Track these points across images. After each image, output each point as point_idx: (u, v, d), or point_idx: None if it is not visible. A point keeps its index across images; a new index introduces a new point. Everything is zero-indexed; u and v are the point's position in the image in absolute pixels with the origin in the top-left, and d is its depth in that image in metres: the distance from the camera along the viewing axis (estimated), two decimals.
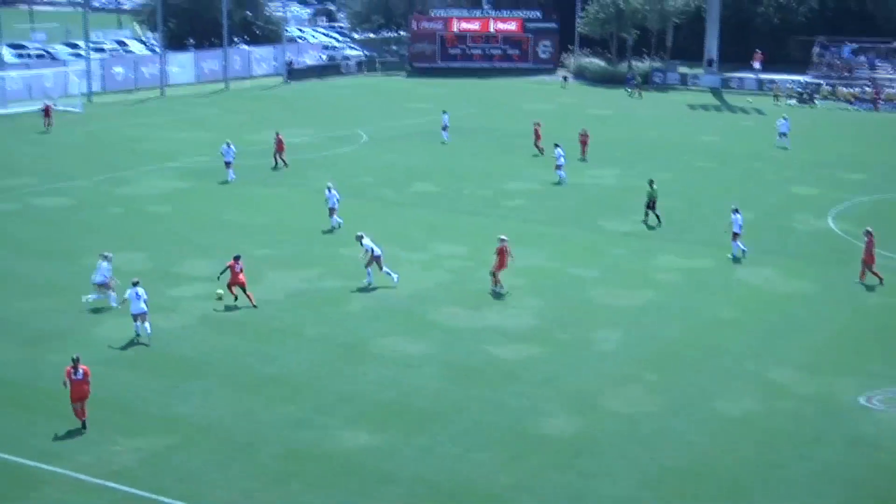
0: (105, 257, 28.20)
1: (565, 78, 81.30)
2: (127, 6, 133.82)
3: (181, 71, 77.69)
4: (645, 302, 29.44)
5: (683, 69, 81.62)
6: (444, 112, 55.34)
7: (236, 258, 28.31)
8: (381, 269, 29.97)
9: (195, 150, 50.94)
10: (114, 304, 27.54)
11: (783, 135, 54.37)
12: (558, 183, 44.01)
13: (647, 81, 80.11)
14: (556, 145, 44.84)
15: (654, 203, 37.74)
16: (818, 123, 64.03)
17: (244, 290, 28.15)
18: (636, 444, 20.89)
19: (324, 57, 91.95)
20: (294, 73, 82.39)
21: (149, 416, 21.60)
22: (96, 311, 27.56)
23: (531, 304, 29.00)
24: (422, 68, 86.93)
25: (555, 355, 25.35)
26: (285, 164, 46.25)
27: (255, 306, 27.98)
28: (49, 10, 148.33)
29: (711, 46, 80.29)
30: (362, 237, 30.37)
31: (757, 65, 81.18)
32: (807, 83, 74.60)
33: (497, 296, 29.45)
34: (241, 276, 28.03)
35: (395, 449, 20.48)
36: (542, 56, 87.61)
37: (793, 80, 74.73)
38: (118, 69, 74.48)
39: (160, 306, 28.02)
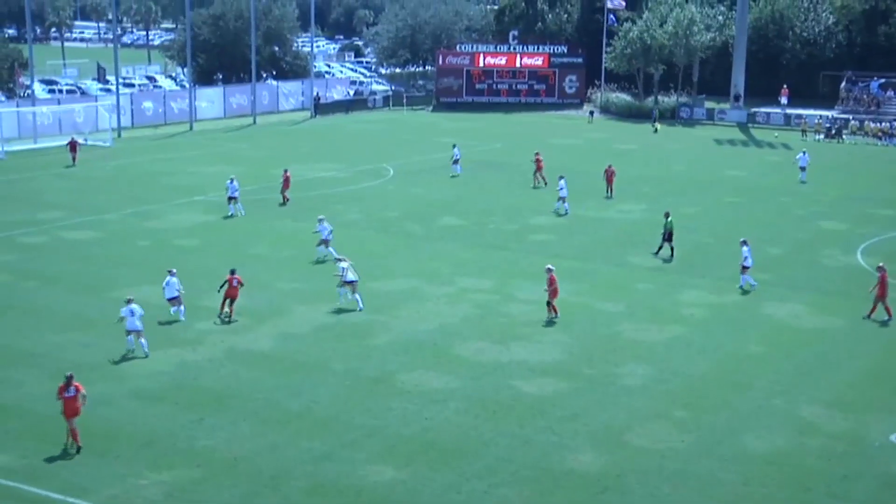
0: (171, 272, 29.87)
1: (591, 113, 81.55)
2: (156, 42, 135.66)
3: (209, 106, 78.58)
4: (672, 337, 29.30)
5: (710, 104, 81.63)
6: (454, 146, 56.03)
7: (232, 271, 30.14)
8: (352, 293, 31.04)
9: (223, 184, 51.27)
10: (182, 319, 29.47)
11: (803, 169, 54.39)
12: (563, 214, 44.62)
13: (673, 116, 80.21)
14: (560, 177, 45.42)
15: (670, 235, 37.78)
16: (846, 159, 63.77)
17: (231, 303, 29.84)
18: (664, 481, 20.72)
19: (351, 92, 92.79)
20: (321, 108, 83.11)
21: (175, 450, 21.67)
22: (123, 343, 27.73)
23: (558, 338, 28.93)
24: (448, 103, 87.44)
25: (581, 390, 25.25)
26: (285, 200, 45.97)
27: (232, 321, 29.65)
28: (80, 47, 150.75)
29: (738, 81, 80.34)
30: (342, 260, 31.78)
31: (784, 100, 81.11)
32: (834, 118, 74.39)
33: (551, 323, 30.08)
34: (236, 290, 29.85)
35: (420, 484, 20.42)
36: (569, 91, 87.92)
37: (820, 116, 74.54)
38: (147, 104, 75.44)
39: (187, 339, 28.23)
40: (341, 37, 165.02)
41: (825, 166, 60.43)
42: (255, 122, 77.16)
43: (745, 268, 33.72)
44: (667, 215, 38.24)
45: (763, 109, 79.18)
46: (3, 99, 73.00)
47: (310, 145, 65.78)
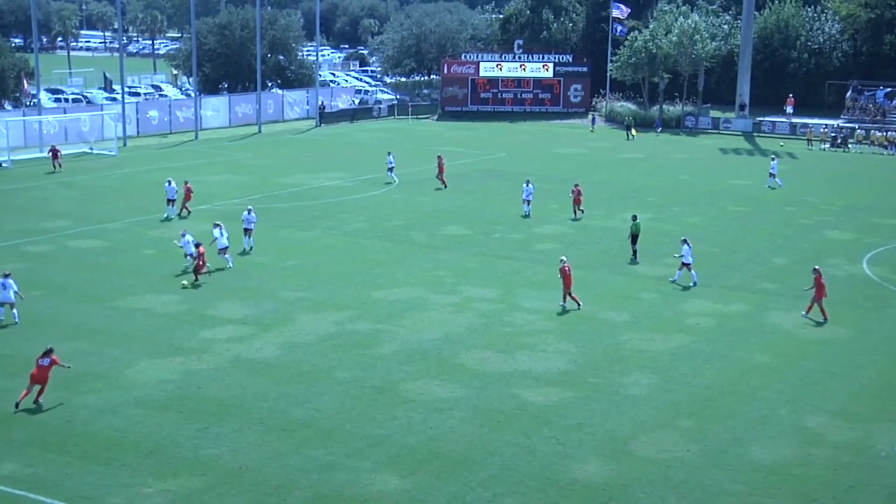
0: (183, 234, 35.31)
1: (594, 120, 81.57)
2: (162, 51, 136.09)
3: (215, 115, 78.81)
4: (677, 346, 29.30)
5: (715, 113, 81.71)
6: (389, 153, 56.67)
7: (197, 245, 34.51)
8: (224, 255, 35.89)
9: (228, 193, 51.51)
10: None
11: (772, 175, 55.42)
12: (525, 216, 45.79)
13: (678, 125, 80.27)
14: (527, 181, 47.17)
15: (635, 238, 38.61)
16: (852, 168, 63.77)
17: (198, 274, 33.98)
18: (669, 491, 20.71)
19: (356, 101, 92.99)
20: (326, 117, 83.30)
21: (180, 459, 21.71)
22: (128, 352, 27.80)
23: (562, 347, 28.95)
24: (453, 112, 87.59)
25: (586, 400, 25.25)
26: (188, 211, 44.97)
27: (196, 286, 33.56)
28: (86, 56, 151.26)
29: (744, 90, 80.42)
30: (220, 226, 36.32)
31: (789, 109, 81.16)
32: (840, 127, 74.41)
33: (564, 311, 31.80)
34: (204, 262, 34.01)
35: (425, 493, 20.43)
36: (574, 100, 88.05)
37: (826, 125, 74.58)
38: (153, 113, 75.68)
39: (192, 348, 28.29)
40: (346, 46, 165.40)
41: (831, 175, 60.45)
42: (260, 130, 77.34)
43: (684, 264, 35.13)
44: (634, 218, 39.18)
45: (769, 118, 79.24)
46: (9, 108, 73.20)
47: (315, 154, 65.93)
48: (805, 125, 75.59)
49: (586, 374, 27.01)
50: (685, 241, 35.63)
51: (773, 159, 57.46)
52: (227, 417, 23.77)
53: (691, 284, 35.22)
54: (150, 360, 27.33)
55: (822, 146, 71.97)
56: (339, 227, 43.82)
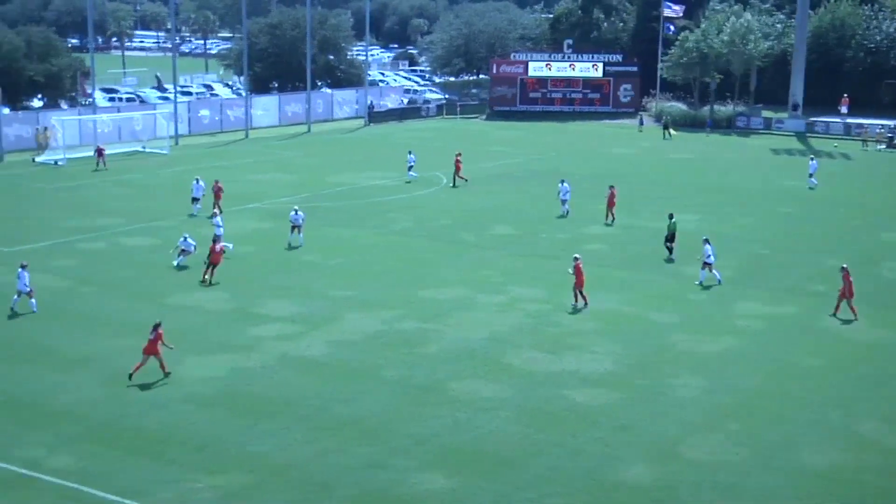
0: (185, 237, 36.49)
1: (641, 122, 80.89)
2: (214, 51, 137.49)
3: (265, 114, 79.43)
4: (726, 349, 28.98)
5: (767, 113, 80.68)
6: (410, 151, 56.64)
7: (215, 240, 35.27)
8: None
9: (277, 191, 51.91)
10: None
11: (811, 175, 54.84)
12: (562, 216, 45.69)
13: (730, 125, 79.40)
14: (563, 181, 46.95)
15: (672, 237, 38.59)
16: None
17: (214, 268, 34.42)
18: (717, 494, 20.49)
19: (404, 100, 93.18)
20: (375, 116, 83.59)
21: (228, 455, 21.90)
22: (177, 348, 28.12)
23: (609, 348, 28.77)
24: (501, 111, 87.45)
25: (633, 401, 25.07)
26: (220, 210, 43.56)
27: (209, 283, 34.23)
28: (140, 56, 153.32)
29: (797, 90, 79.28)
30: (216, 215, 38.97)
31: (843, 109, 79.91)
32: None
33: (576, 311, 31.26)
34: (219, 256, 34.45)
35: (470, 493, 20.41)
36: (623, 100, 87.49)
37: (882, 125, 73.31)
38: (204, 112, 76.46)
39: (241, 346, 28.54)
40: (396, 45, 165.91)
41: (886, 176, 59.42)
42: (309, 129, 77.83)
43: (706, 264, 34.95)
44: (670, 216, 39.07)
45: (822, 119, 78.07)
46: (65, 107, 74.42)
47: (363, 153, 66.18)
48: (860, 125, 74.38)
49: (633, 375, 26.81)
50: (706, 241, 35.46)
51: (811, 159, 56.85)
52: (274, 414, 23.94)
53: (715, 283, 35.00)
54: (198, 356, 27.62)
55: (878, 147, 70.77)
56: (387, 227, 43.95)
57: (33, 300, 31.14)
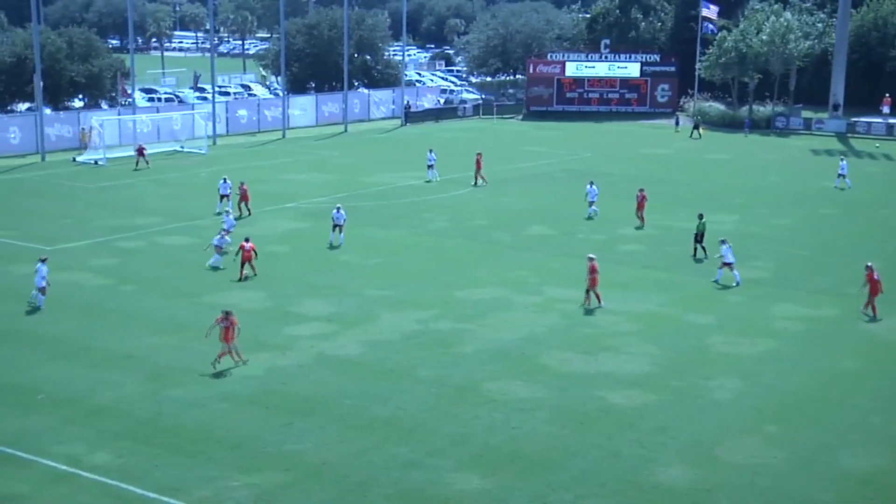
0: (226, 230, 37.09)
1: (677, 122, 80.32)
2: (252, 51, 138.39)
3: (302, 114, 79.83)
4: (764, 351, 28.74)
5: (807, 114, 79.86)
6: (430, 150, 56.59)
7: (246, 239, 35.37)
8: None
9: (314, 191, 52.16)
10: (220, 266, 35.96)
11: (842, 176, 54.38)
12: (589, 218, 45.40)
13: (769, 126, 78.69)
14: (591, 182, 46.87)
15: (701, 236, 38.62)
16: None
17: (250, 264, 35.05)
18: (755, 497, 20.32)
19: (441, 100, 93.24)
20: (411, 116, 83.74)
21: (264, 453, 22.04)
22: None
23: (646, 350, 28.62)
24: (538, 112, 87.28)
25: (670, 403, 24.93)
26: (249, 212, 45.16)
27: (244, 278, 34.80)
28: (179, 56, 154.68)
29: (838, 90, 78.43)
30: (228, 213, 39.74)
31: (886, 109, 78.92)
32: None
33: (589, 312, 31.63)
34: (250, 254, 34.91)
35: (506, 493, 20.40)
36: (661, 100, 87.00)
37: None
38: (242, 112, 76.99)
39: (277, 345, 28.71)
40: (432, 46, 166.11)
41: None
42: (346, 129, 78.12)
43: (725, 264, 34.86)
44: (700, 216, 38.96)
45: (864, 119, 77.13)
46: (105, 107, 75.24)
47: (400, 153, 66.30)
48: None
49: (670, 377, 26.66)
50: (723, 242, 35.32)
51: (842, 159, 56.53)
52: (310, 413, 24.06)
53: (734, 284, 34.83)
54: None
55: None
56: (423, 227, 44.01)
57: (43, 296, 31.49)
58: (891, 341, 29.81)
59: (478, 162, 54.06)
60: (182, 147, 66.16)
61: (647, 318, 31.45)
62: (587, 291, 32.34)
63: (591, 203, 46.27)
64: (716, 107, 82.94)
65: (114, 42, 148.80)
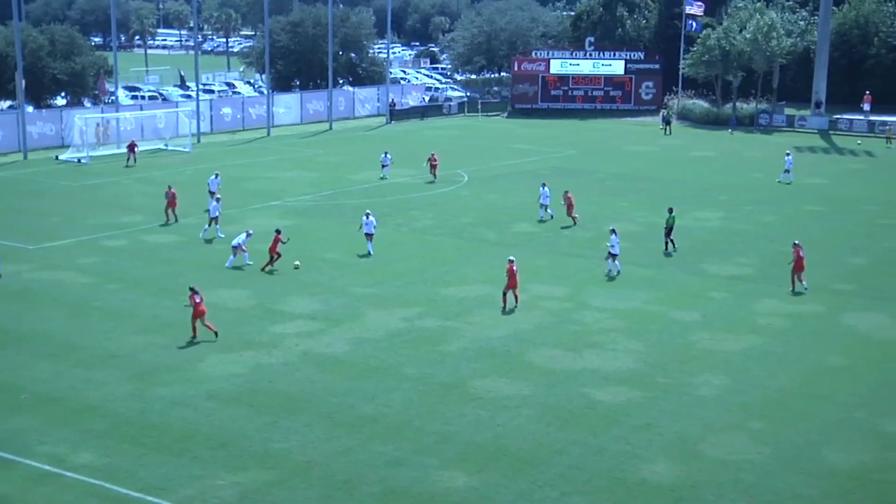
0: (248, 233, 36.94)
1: (663, 118, 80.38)
2: (236, 49, 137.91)
3: (287, 112, 79.60)
4: (749, 347, 28.83)
5: (790, 111, 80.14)
6: (386, 153, 56.35)
7: (278, 231, 36.22)
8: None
9: (299, 189, 52.03)
10: (248, 262, 36.32)
11: (787, 171, 54.93)
12: (542, 221, 44.53)
13: (752, 123, 78.93)
14: (543, 185, 45.91)
15: (670, 230, 39.11)
16: None
17: (273, 258, 35.60)
18: (740, 493, 20.39)
19: (426, 98, 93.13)
20: (396, 114, 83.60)
21: (250, 452, 21.97)
22: (200, 345, 28.25)
23: (631, 347, 28.67)
24: (523, 109, 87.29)
25: (655, 400, 24.97)
26: (176, 218, 43.74)
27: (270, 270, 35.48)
28: (163, 54, 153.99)
29: (820, 88, 78.70)
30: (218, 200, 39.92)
31: (866, 106, 79.28)
32: None
33: (509, 313, 31.21)
34: (276, 248, 35.45)
35: (492, 491, 20.40)
36: (645, 98, 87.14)
37: None
38: (226, 110, 76.70)
39: (263, 343, 28.63)
40: (417, 43, 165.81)
41: None
42: (331, 127, 77.97)
43: (611, 255, 35.33)
44: (670, 211, 39.58)
45: (846, 116, 77.46)
46: (88, 105, 74.83)
47: (385, 151, 66.11)
48: (884, 123, 73.74)
49: (655, 373, 26.71)
50: (613, 231, 35.79)
51: (787, 154, 56.74)
52: (296, 412, 24.01)
53: (615, 274, 35.42)
54: (221, 353, 27.73)
55: None
56: (409, 224, 43.96)
57: None
58: (875, 337, 29.96)
59: (432, 162, 54.45)
60: (166, 145, 65.88)
61: (633, 315, 31.51)
62: (504, 293, 31.72)
63: (544, 206, 44.80)
64: (700, 104, 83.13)
65: (96, 39, 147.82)
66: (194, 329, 28.68)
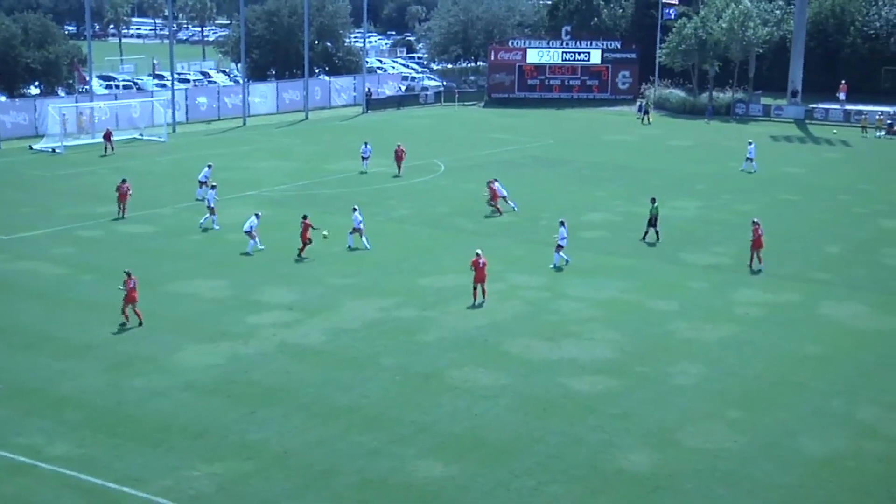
0: (256, 215, 37.28)
1: (640, 108, 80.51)
2: (211, 38, 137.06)
3: (262, 101, 79.23)
4: (726, 336, 28.96)
5: (766, 100, 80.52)
6: (366, 143, 54.47)
7: (305, 216, 36.56)
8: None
9: (276, 179, 51.80)
10: (260, 247, 36.75)
11: (749, 159, 55.31)
12: (489, 216, 43.67)
13: (728, 112, 79.24)
14: (494, 180, 44.98)
15: (654, 220, 39.26)
16: None
17: (306, 245, 36.11)
18: (717, 482, 20.49)
19: (402, 87, 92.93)
20: (373, 104, 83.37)
21: (226, 443, 21.88)
22: (176, 336, 28.08)
23: (609, 336, 28.74)
24: (500, 99, 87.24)
25: (633, 389, 25.06)
26: (123, 214, 42.30)
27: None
28: (137, 43, 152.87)
29: (796, 77, 79.08)
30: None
31: (842, 95, 79.76)
32: None
33: (478, 307, 30.90)
34: (308, 235, 35.87)
35: (469, 481, 20.41)
36: (622, 87, 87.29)
37: (882, 112, 73.16)
38: (202, 99, 76.25)
39: (239, 333, 28.50)
40: (393, 32, 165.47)
41: (886, 163, 59.36)
42: (307, 117, 77.66)
43: (559, 246, 35.37)
44: (653, 201, 39.63)
45: (821, 105, 77.91)
46: (62, 95, 74.16)
47: (361, 141, 65.81)
48: (860, 112, 74.24)
49: (633, 363, 26.80)
50: (562, 223, 35.71)
51: (749, 143, 56.90)
52: (273, 402, 23.92)
53: (563, 264, 35.39)
54: (197, 344, 27.59)
55: (878, 134, 70.60)
56: (386, 214, 43.86)
57: None
58: (851, 326, 30.17)
59: (398, 154, 52.84)
60: (141, 135, 65.43)
61: (610, 305, 31.58)
62: (474, 287, 31.32)
63: (503, 198, 44.09)
64: (676, 94, 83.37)
65: (70, 28, 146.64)
66: (125, 314, 28.81)
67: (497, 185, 44.55)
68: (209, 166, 47.12)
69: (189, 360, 26.47)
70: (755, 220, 36.33)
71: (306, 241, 36.24)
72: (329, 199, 46.66)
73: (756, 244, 35.57)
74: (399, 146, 53.57)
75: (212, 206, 40.84)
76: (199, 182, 46.09)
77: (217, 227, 40.37)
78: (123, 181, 43.25)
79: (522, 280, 34.04)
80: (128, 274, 28.90)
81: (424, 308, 30.95)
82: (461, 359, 26.89)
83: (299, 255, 36.23)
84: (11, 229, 40.05)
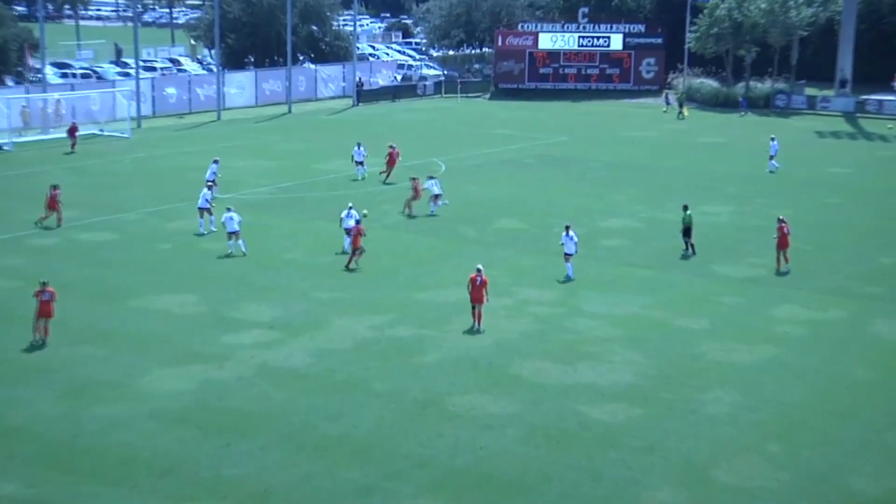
0: (229, 209, 37.64)
1: (668, 100, 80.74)
2: (181, 20, 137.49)
3: (240, 92, 79.54)
4: (764, 359, 29.05)
5: (811, 91, 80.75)
6: (359, 144, 53.17)
7: (358, 221, 37.12)
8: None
9: (255, 180, 51.97)
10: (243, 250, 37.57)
11: (772, 157, 55.57)
12: (431, 214, 44.54)
13: (767, 105, 79.46)
14: (430, 177, 45.80)
15: (689, 230, 39.00)
16: None
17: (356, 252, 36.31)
18: None
19: (398, 77, 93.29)
20: (365, 95, 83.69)
21: (198, 479, 21.94)
22: (142, 358, 28.18)
23: (630, 358, 28.84)
24: (507, 90, 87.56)
25: (658, 418, 25.13)
26: (40, 221, 41.98)
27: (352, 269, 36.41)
28: (96, 26, 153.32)
29: (845, 65, 79.30)
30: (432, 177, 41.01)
31: None
32: None
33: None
34: (359, 240, 36.31)
35: None
36: (646, 76, 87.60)
37: None
38: (170, 90, 76.55)
39: (213, 355, 28.59)
40: (388, 14, 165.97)
41: None
42: (290, 110, 77.93)
43: (567, 255, 35.52)
44: (685, 208, 39.32)
45: (874, 97, 78.10)
46: (11, 84, 74.40)
47: (351, 137, 66.09)
48: None
49: (658, 388, 26.88)
50: (567, 229, 35.84)
51: (772, 139, 56.77)
52: (251, 433, 24.00)
53: (564, 279, 35.47)
54: (166, 367, 27.66)
55: None
56: (379, 220, 43.96)
57: None
58: None
59: (391, 157, 51.98)
60: (102, 130, 65.65)
61: (632, 322, 31.67)
62: (472, 307, 30.87)
63: (436, 196, 44.79)
64: (708, 84, 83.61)
65: (20, 9, 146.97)
66: (35, 330, 29.00)
67: (431, 182, 44.97)
68: (216, 161, 47.10)
69: (156, 386, 26.55)
70: (781, 217, 37.19)
71: (357, 248, 36.59)
72: (316, 202, 46.81)
73: (782, 243, 36.45)
74: (392, 148, 52.61)
75: (206, 207, 40.88)
76: (207, 183, 44.41)
77: (214, 229, 40.40)
78: (54, 187, 42.65)
79: (532, 294, 34.17)
80: (43, 284, 29.07)
81: (422, 326, 31.05)
82: (464, 384, 26.97)
83: (347, 266, 36.55)
84: None
